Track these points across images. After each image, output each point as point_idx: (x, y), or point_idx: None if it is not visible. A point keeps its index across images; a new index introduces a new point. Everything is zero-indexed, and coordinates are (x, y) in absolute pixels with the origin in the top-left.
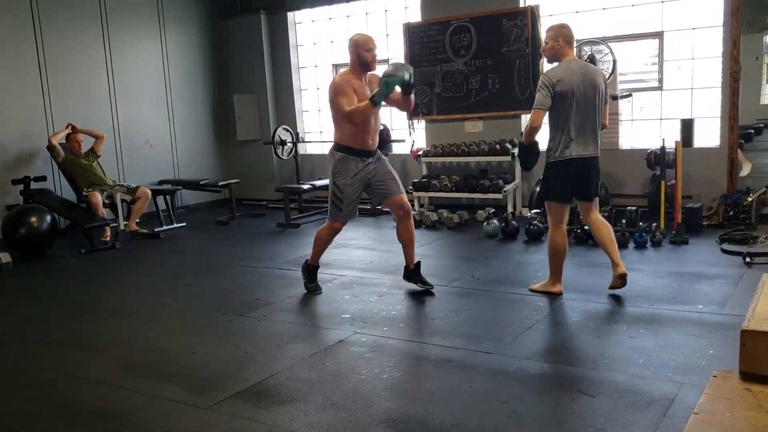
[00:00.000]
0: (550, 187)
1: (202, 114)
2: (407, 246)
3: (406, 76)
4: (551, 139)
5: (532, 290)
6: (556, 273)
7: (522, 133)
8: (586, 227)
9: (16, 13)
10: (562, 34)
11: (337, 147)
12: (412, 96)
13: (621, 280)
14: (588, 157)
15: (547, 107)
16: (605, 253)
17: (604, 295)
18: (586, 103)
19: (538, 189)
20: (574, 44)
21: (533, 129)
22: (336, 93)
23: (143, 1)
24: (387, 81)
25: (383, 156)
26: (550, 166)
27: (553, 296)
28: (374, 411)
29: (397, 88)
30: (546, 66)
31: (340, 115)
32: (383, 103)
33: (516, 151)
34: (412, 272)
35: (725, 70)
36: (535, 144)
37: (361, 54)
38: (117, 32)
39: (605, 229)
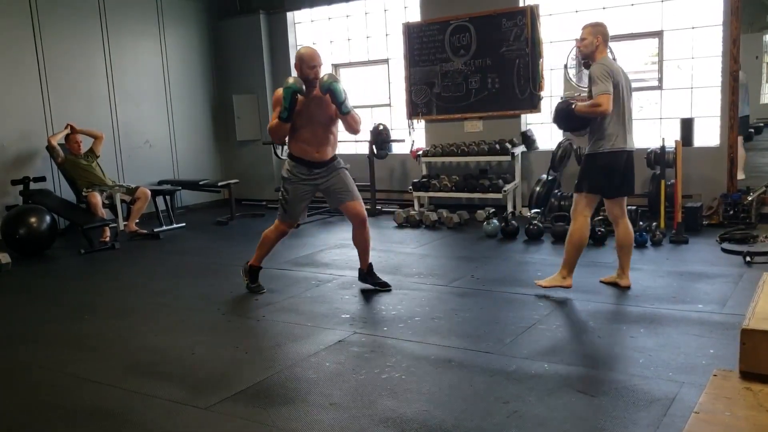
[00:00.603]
0: (593, 180)
1: (202, 114)
2: (362, 252)
3: (302, 86)
4: (600, 130)
5: (539, 286)
6: (570, 266)
7: (565, 105)
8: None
9: (15, 14)
10: (601, 31)
11: (288, 153)
12: (353, 117)
13: (618, 287)
14: (631, 150)
15: (612, 92)
16: (618, 257)
17: (604, 294)
18: (627, 99)
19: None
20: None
21: (599, 112)
22: (274, 108)
23: (142, 2)
24: (285, 96)
25: (341, 168)
26: (599, 157)
27: (562, 290)
28: (374, 411)
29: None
30: (546, 65)
31: (291, 126)
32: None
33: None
34: (364, 274)
35: (725, 69)
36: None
37: (304, 70)
38: (116, 32)
39: (630, 236)
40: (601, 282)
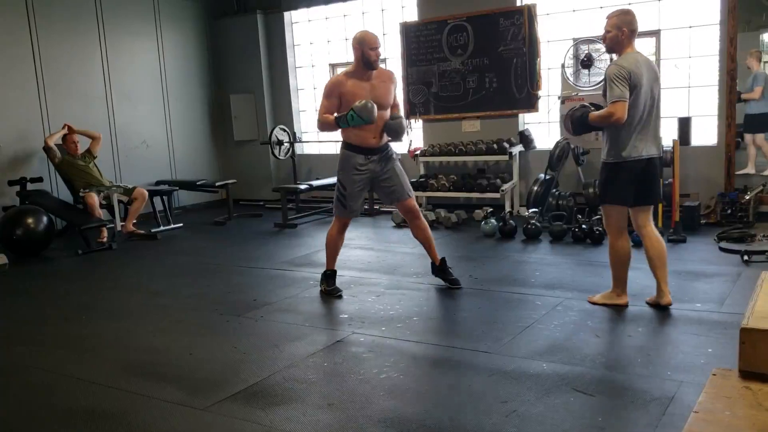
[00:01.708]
0: (615, 190)
1: (199, 114)
2: (427, 246)
3: (372, 120)
4: (616, 138)
5: (592, 303)
6: (621, 283)
7: (580, 112)
8: (584, 226)
9: (11, 13)
10: (627, 21)
11: (343, 144)
12: (403, 138)
13: (663, 307)
14: (653, 157)
15: (627, 99)
16: (653, 274)
17: (600, 293)
18: (652, 100)
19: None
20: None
21: (613, 122)
22: (323, 93)
23: (139, 1)
24: (353, 115)
25: (394, 155)
26: (617, 167)
27: (619, 308)
28: (372, 411)
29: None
30: (543, 64)
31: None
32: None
33: (566, 125)
34: (437, 269)
35: (722, 68)
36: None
37: (366, 52)
38: (113, 32)
39: (660, 247)
40: (647, 303)
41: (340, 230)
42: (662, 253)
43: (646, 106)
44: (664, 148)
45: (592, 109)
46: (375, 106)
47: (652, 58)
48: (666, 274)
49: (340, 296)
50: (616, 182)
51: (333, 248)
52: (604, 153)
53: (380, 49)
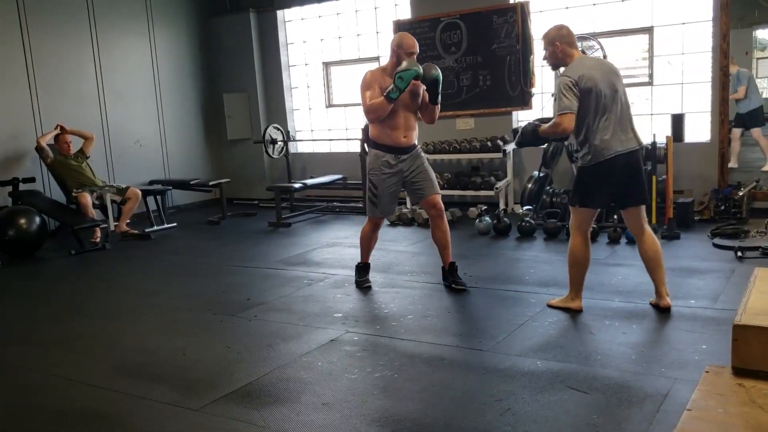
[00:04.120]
0: (588, 193)
1: (192, 113)
2: (442, 247)
3: (421, 70)
4: (584, 142)
5: (550, 306)
6: (576, 286)
7: (531, 126)
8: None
9: (2, 13)
10: (558, 36)
11: (372, 143)
12: (437, 107)
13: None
14: (634, 150)
15: (575, 110)
16: (651, 276)
17: (595, 291)
18: (615, 94)
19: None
20: (576, 42)
21: (560, 132)
22: (362, 87)
23: (132, 0)
24: (401, 74)
25: (422, 153)
26: (588, 170)
27: (573, 312)
28: (367, 410)
29: (425, 93)
30: (536, 61)
31: None
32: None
33: (515, 139)
34: (446, 273)
35: (715, 64)
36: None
37: (402, 57)
38: (105, 31)
39: (656, 249)
40: (650, 304)
41: (373, 229)
42: (658, 256)
43: (611, 102)
44: (658, 145)
45: (539, 124)
46: (416, 62)
47: (646, 55)
48: (663, 277)
49: (369, 287)
50: (590, 186)
51: (366, 243)
52: (579, 158)
53: (416, 55)
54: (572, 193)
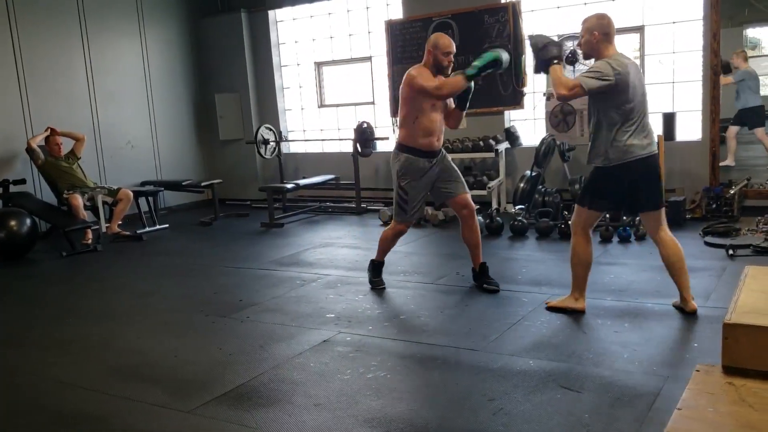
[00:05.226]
0: (599, 195)
1: (184, 114)
2: (473, 247)
3: (504, 56)
4: (603, 141)
5: (550, 307)
6: (580, 287)
7: (550, 54)
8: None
9: None
10: (598, 25)
11: (403, 147)
12: (464, 113)
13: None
14: (653, 154)
15: (593, 93)
16: (674, 281)
17: (587, 290)
18: (643, 97)
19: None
20: (614, 36)
21: (561, 92)
22: (417, 77)
23: (122, 0)
24: (483, 55)
25: (446, 154)
26: (606, 170)
27: (577, 313)
28: (359, 411)
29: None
30: (528, 61)
31: (408, 114)
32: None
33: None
34: (477, 274)
35: (706, 63)
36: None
37: (438, 57)
38: (96, 32)
39: (678, 252)
40: (672, 305)
41: (397, 234)
42: (681, 259)
43: (641, 105)
44: None
45: (559, 56)
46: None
47: (637, 54)
48: (687, 281)
49: (383, 288)
50: (603, 189)
51: (385, 245)
52: (595, 157)
53: (452, 56)
54: (582, 192)
